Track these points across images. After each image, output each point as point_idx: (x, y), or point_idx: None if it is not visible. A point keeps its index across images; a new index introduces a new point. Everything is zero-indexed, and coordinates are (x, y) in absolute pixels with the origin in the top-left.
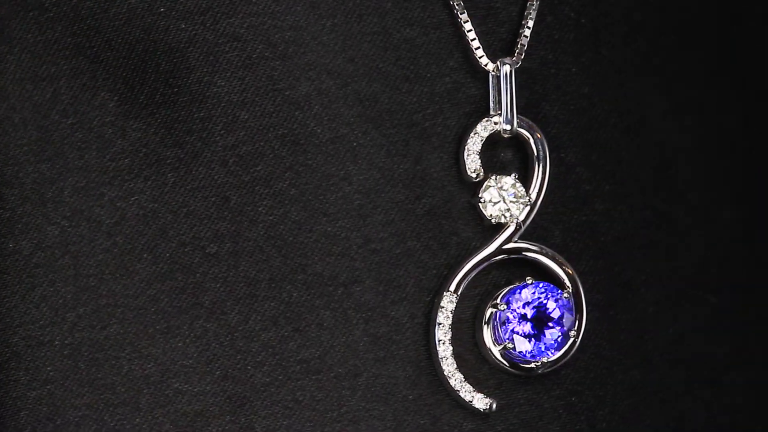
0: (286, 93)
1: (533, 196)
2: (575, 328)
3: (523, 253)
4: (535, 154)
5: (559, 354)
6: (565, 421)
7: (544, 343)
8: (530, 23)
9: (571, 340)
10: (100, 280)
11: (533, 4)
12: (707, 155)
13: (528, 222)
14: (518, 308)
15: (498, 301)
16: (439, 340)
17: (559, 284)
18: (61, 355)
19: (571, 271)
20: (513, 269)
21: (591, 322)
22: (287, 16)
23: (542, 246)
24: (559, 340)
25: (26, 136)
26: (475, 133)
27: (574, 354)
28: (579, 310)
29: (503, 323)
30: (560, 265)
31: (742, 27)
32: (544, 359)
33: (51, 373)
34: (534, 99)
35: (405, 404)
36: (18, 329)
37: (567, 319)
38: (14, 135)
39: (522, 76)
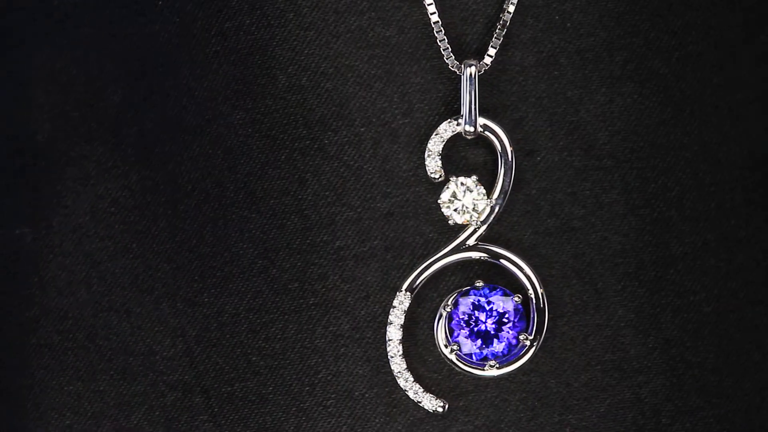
0: (266, 87)
1: (494, 197)
2: (529, 332)
3: (482, 255)
4: (499, 155)
5: (511, 357)
6: (527, 425)
7: (491, 346)
8: (503, 25)
9: (528, 343)
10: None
11: (509, 6)
12: (696, 162)
13: (488, 223)
14: (465, 311)
15: (448, 303)
16: (389, 339)
17: (518, 287)
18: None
19: (532, 275)
20: (476, 270)
21: (558, 327)
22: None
23: (503, 248)
24: (507, 343)
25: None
26: (436, 134)
27: (534, 357)
28: (540, 314)
29: (451, 325)
30: (521, 268)
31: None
32: (491, 362)
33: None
34: (511, 101)
35: (362, 402)
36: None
37: (515, 323)
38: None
39: (497, 77)
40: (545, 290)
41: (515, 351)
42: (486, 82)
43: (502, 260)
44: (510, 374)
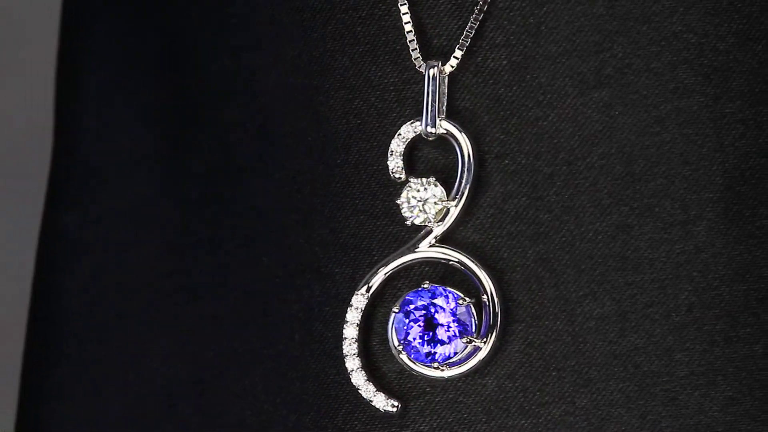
0: (258, 86)
1: (452, 199)
2: (481, 336)
3: (438, 257)
4: (459, 157)
5: (463, 360)
6: (482, 428)
7: (436, 349)
8: (470, 28)
9: (482, 346)
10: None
11: (481, 7)
12: (670, 170)
13: (446, 225)
14: (410, 313)
15: (396, 303)
16: (344, 338)
17: (472, 291)
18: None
19: (485, 278)
20: (440, 272)
21: (518, 331)
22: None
23: (459, 251)
24: (451, 345)
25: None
26: (399, 135)
27: (490, 361)
28: (494, 318)
29: (398, 327)
30: (474, 271)
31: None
32: (435, 365)
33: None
34: (482, 103)
35: (328, 400)
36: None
37: (460, 326)
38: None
39: (469, 79)
40: (507, 294)
41: (466, 354)
42: (458, 83)
43: (456, 262)
44: (466, 377)
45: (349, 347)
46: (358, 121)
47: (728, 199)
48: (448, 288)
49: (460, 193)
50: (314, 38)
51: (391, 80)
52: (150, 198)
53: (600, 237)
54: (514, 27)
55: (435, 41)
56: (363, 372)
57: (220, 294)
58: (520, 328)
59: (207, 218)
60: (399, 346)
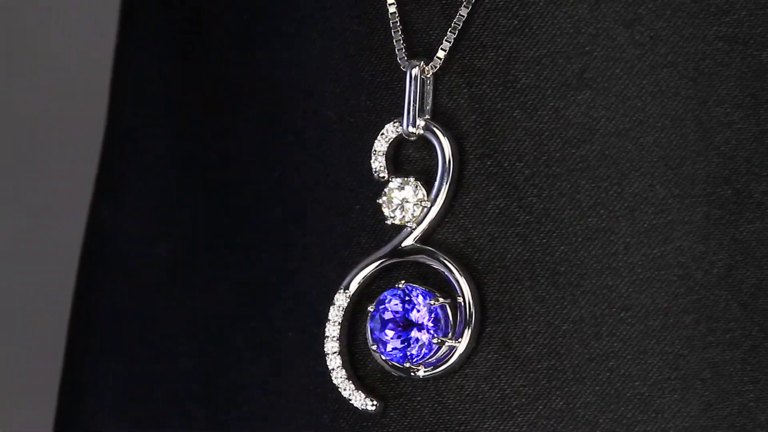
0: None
1: (431, 200)
2: (456, 336)
3: (415, 257)
4: (438, 158)
5: (438, 360)
6: (458, 429)
7: (408, 349)
8: (453, 28)
9: (457, 347)
10: None
11: (465, 7)
12: (651, 174)
13: (424, 226)
14: (383, 312)
15: (373, 304)
16: (325, 336)
17: (450, 291)
18: None
19: (461, 278)
20: (419, 272)
21: (496, 332)
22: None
23: (437, 251)
24: (426, 346)
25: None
26: (382, 134)
27: (467, 362)
28: (469, 319)
29: (373, 326)
30: (451, 272)
31: None
32: (407, 364)
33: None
34: (468, 104)
35: (315, 398)
36: None
37: (432, 327)
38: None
39: (454, 80)
40: (485, 295)
41: (443, 354)
42: (442, 84)
43: (431, 263)
44: (444, 377)
45: (330, 345)
46: (352, 120)
47: (710, 203)
48: (424, 288)
49: (438, 193)
50: (312, 36)
51: (383, 79)
52: (172, 193)
53: (578, 240)
54: (498, 28)
55: (425, 41)
56: (343, 370)
57: (225, 288)
58: (497, 329)
59: (211, 215)
60: (373, 345)
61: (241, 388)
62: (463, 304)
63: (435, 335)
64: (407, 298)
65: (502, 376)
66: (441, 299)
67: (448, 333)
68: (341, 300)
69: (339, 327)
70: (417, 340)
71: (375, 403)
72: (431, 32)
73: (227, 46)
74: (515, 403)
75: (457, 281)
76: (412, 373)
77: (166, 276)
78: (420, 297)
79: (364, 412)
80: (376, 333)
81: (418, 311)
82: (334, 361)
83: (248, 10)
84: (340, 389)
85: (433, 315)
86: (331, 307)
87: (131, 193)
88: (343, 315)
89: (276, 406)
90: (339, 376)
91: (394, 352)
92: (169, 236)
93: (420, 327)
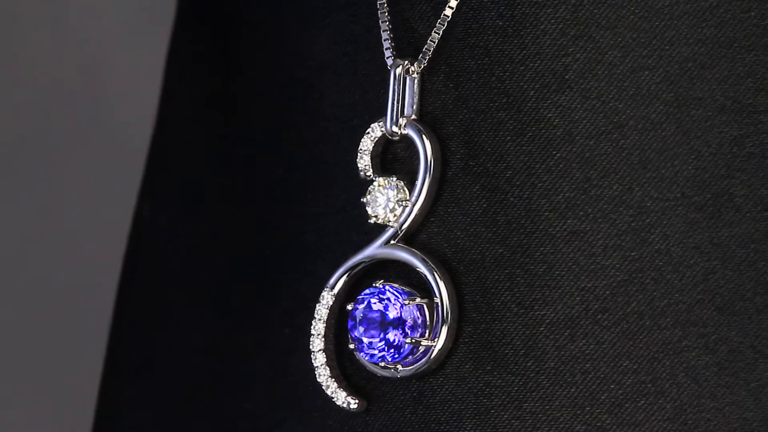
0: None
1: (412, 200)
2: (432, 336)
3: (397, 256)
4: (420, 158)
5: (415, 360)
6: (435, 428)
7: (385, 348)
8: (437, 29)
9: (432, 346)
10: None
11: (451, 8)
12: (630, 177)
13: (405, 225)
14: (360, 311)
15: (352, 303)
16: (311, 335)
17: (427, 292)
18: None
19: (438, 278)
20: (403, 270)
21: (477, 333)
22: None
23: (416, 251)
24: (402, 345)
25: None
26: (367, 134)
27: (440, 361)
28: (444, 320)
29: (350, 325)
30: (429, 272)
31: None
32: (383, 363)
33: None
34: (455, 105)
35: (304, 395)
36: None
37: (408, 326)
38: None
39: (442, 81)
40: (462, 295)
41: (420, 353)
42: (427, 84)
43: (408, 262)
44: (423, 377)
45: (314, 343)
46: (347, 118)
47: (689, 206)
48: (402, 287)
49: (420, 193)
50: (312, 34)
51: (377, 79)
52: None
53: (555, 241)
54: (482, 29)
55: (416, 39)
56: (326, 368)
57: (231, 287)
58: (476, 329)
59: (220, 214)
60: (351, 344)
61: (238, 386)
62: (439, 304)
63: (410, 335)
64: (384, 297)
65: (478, 377)
66: (419, 299)
67: (425, 333)
68: (327, 298)
69: (324, 325)
70: (393, 340)
71: (357, 401)
72: (422, 30)
73: (252, 45)
74: (488, 404)
75: (435, 281)
76: (389, 373)
77: (185, 277)
78: (396, 296)
79: (347, 411)
80: (354, 332)
81: (395, 310)
82: (316, 359)
83: (259, 10)
84: (323, 387)
85: (409, 315)
86: (317, 305)
87: (164, 189)
88: (329, 313)
89: (273, 403)
90: (322, 374)
91: (371, 351)
92: (195, 235)
93: (396, 326)
